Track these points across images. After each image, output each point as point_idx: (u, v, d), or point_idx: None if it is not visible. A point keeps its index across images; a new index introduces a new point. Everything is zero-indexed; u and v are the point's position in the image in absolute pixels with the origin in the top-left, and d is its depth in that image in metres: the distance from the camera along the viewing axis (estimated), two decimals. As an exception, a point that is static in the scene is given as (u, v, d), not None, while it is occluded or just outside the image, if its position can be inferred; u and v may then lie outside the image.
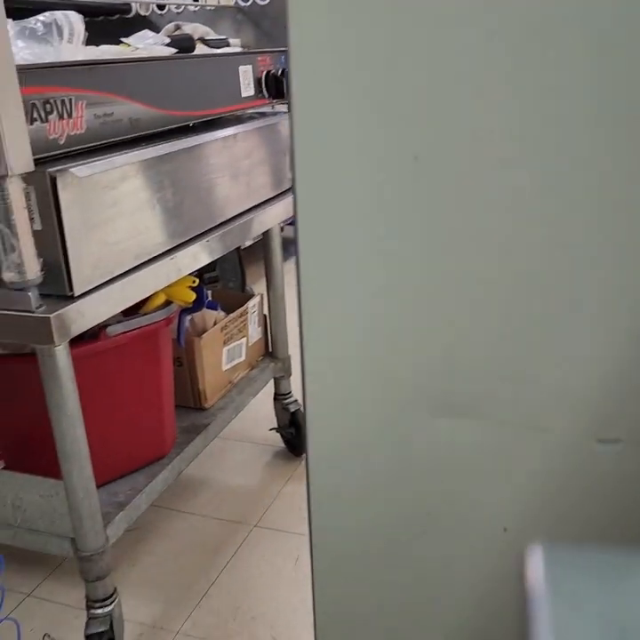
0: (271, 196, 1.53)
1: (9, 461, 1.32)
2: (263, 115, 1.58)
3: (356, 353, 0.46)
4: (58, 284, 0.97)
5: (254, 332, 1.74)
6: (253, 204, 1.46)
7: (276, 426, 1.89)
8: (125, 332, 1.25)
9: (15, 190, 0.87)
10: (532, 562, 0.26)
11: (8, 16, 0.86)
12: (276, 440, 1.92)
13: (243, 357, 1.70)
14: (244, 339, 1.69)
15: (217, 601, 1.41)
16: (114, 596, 1.19)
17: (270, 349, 1.82)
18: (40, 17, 1.09)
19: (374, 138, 0.41)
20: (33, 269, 0.93)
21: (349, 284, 0.44)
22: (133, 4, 1.72)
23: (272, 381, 1.82)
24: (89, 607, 1.17)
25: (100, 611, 1.17)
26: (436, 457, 0.44)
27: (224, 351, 1.61)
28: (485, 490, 0.43)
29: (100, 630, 1.16)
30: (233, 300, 1.73)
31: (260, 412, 1.99)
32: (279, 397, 1.86)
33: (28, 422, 1.22)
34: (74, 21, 1.11)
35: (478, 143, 0.40)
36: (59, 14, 1.09)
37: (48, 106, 0.95)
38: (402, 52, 0.39)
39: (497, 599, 0.48)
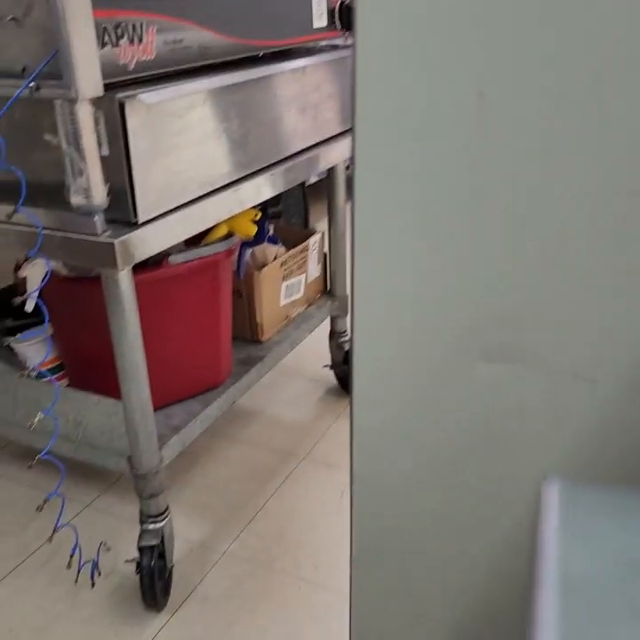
0: (338, 132, 1.50)
1: (72, 380, 1.37)
2: (335, 47, 1.54)
3: (407, 295, 0.46)
4: (123, 210, 0.99)
5: (314, 269, 1.75)
6: (319, 140, 1.45)
7: (329, 363, 1.91)
8: (187, 262, 1.27)
9: (84, 114, 0.88)
10: (547, 495, 0.26)
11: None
12: (329, 377, 1.95)
13: (301, 293, 1.71)
14: (303, 275, 1.70)
15: (263, 526, 1.46)
16: (166, 514, 1.24)
17: (328, 288, 1.82)
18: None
19: (437, 73, 0.40)
20: (99, 194, 0.94)
21: (404, 227, 0.44)
22: None
23: (328, 319, 1.84)
24: (142, 522, 1.23)
25: (152, 526, 1.23)
26: (481, 402, 0.44)
27: (283, 286, 1.63)
28: (528, 436, 0.43)
29: (152, 543, 1.22)
30: (294, 235, 1.73)
31: (314, 348, 2.02)
32: (335, 335, 1.88)
33: (92, 344, 1.27)
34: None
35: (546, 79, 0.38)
36: None
37: (119, 30, 0.95)
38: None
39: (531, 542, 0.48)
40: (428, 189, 0.43)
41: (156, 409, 1.17)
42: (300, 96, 1.35)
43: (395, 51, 0.41)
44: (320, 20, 1.46)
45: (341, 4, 1.47)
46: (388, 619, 0.55)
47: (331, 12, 1.47)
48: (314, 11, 1.43)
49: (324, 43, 1.54)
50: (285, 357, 1.64)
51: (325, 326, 1.85)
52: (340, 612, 1.26)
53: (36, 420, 1.11)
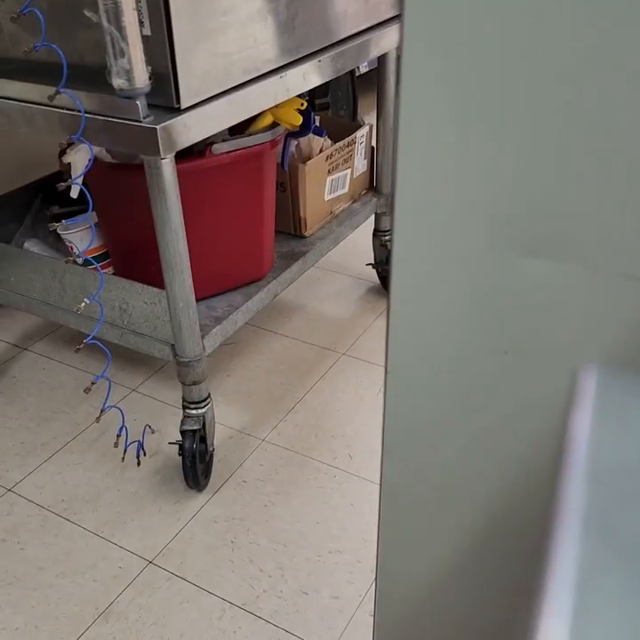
0: (390, 16, 1.42)
1: (117, 268, 1.39)
2: None
3: (446, 183, 0.44)
4: (165, 94, 0.97)
5: (360, 164, 1.70)
6: (370, 25, 1.37)
7: (372, 262, 1.90)
8: (230, 152, 1.25)
9: (125, -11, 0.85)
10: (583, 380, 0.25)
11: None
12: (372, 275, 1.94)
13: (346, 189, 1.68)
14: (349, 170, 1.66)
15: (302, 417, 1.50)
16: (207, 401, 1.28)
17: (374, 184, 1.78)
18: None
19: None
20: (141, 77, 0.92)
21: (448, 119, 0.42)
22: None
23: (373, 217, 1.81)
24: (185, 407, 1.28)
25: (194, 411, 1.27)
26: (521, 296, 0.43)
27: (328, 180, 1.59)
28: (568, 331, 0.42)
29: (194, 428, 1.26)
30: (341, 128, 1.68)
31: (358, 245, 2.00)
32: (378, 233, 1.85)
33: (135, 232, 1.28)
34: None
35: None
36: None
37: None
38: None
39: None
40: (471, 73, 0.40)
41: (198, 300, 1.19)
42: (352, -25, 1.27)
43: None
44: None
45: None
46: (416, 506, 0.57)
47: None
48: None
49: None
50: (328, 253, 1.63)
51: (370, 223, 1.82)
52: (371, 500, 1.30)
53: (82, 305, 1.13)
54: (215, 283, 1.37)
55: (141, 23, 0.90)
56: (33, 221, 1.61)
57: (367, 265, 1.91)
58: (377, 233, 1.85)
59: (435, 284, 0.48)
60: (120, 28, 0.86)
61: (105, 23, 0.87)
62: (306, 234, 1.58)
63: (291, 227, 1.58)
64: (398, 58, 0.46)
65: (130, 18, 0.87)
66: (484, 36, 0.39)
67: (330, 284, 1.96)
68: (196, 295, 1.17)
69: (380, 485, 0.59)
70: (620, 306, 0.39)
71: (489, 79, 0.40)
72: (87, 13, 0.89)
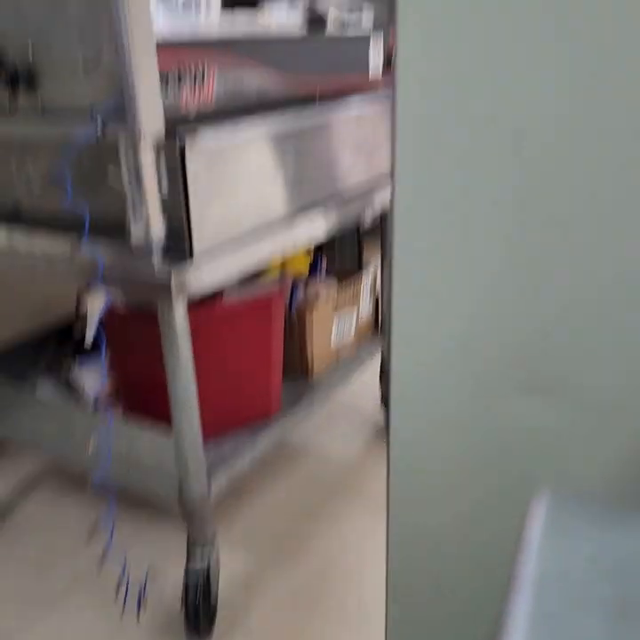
0: (392, 173, 1.53)
1: (127, 408, 1.42)
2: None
3: (445, 326, 0.47)
4: (179, 247, 1.03)
5: (365, 308, 1.76)
6: (375, 182, 1.47)
7: (380, 402, 1.92)
8: (241, 300, 1.30)
9: (146, 154, 0.93)
10: (536, 508, 0.27)
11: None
12: (378, 416, 1.94)
13: (352, 332, 1.72)
14: (355, 313, 1.71)
15: (309, 562, 1.46)
16: (213, 542, 1.26)
17: (379, 327, 1.83)
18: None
19: (477, 121, 0.41)
20: (158, 231, 0.99)
21: (442, 265, 0.45)
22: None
23: (380, 358, 1.84)
24: (189, 549, 1.25)
25: (199, 553, 1.24)
26: (518, 434, 0.44)
27: (334, 324, 1.65)
28: (564, 468, 0.43)
29: (198, 570, 1.23)
30: (347, 274, 1.75)
31: (364, 387, 2.02)
32: (385, 375, 1.88)
33: (146, 375, 1.31)
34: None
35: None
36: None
37: (182, 74, 1.00)
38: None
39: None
40: (465, 224, 0.44)
41: (205, 440, 1.20)
42: (356, 138, 1.38)
43: (436, 103, 0.42)
44: (378, 67, 1.50)
45: (398, 51, 1.51)
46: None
47: (388, 59, 1.51)
48: (372, 58, 1.48)
49: (381, 88, 1.58)
50: (335, 395, 1.65)
51: (376, 366, 1.85)
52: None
53: (90, 447, 1.14)
54: (223, 424, 1.38)
55: (160, 184, 0.98)
56: (48, 363, 1.65)
57: (379, 404, 1.93)
58: (384, 375, 1.88)
59: (435, 424, 0.50)
60: (140, 188, 0.94)
61: (127, 184, 0.94)
62: (313, 376, 1.61)
63: (298, 369, 1.61)
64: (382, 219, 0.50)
65: (149, 178, 0.94)
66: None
67: (337, 424, 1.97)
68: (203, 436, 1.18)
69: (386, 630, 0.58)
70: (616, 441, 0.40)
71: (473, 237, 0.43)
72: (111, 176, 0.97)
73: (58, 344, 1.68)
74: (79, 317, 1.37)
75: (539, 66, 0.39)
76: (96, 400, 1.29)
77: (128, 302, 1.26)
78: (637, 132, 0.38)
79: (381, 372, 1.88)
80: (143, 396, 1.37)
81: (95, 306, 1.24)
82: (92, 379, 1.39)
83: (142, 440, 1.24)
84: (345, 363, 1.69)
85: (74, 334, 1.18)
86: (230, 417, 1.39)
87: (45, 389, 1.52)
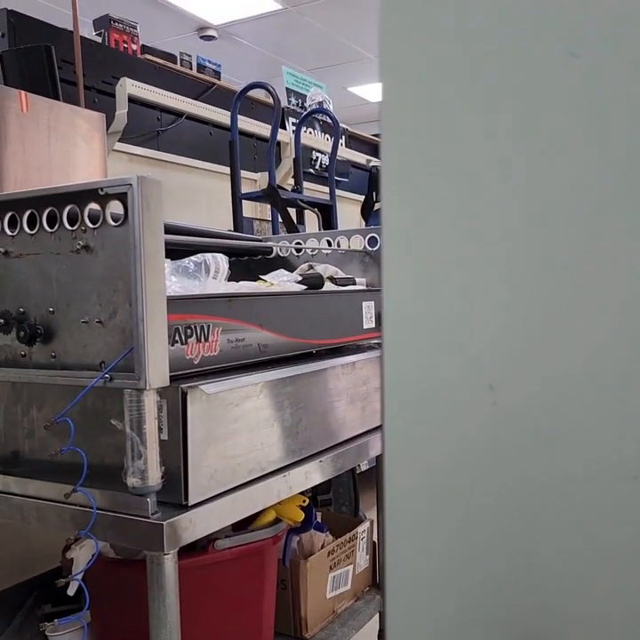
0: (386, 421, 1.57)
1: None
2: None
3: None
4: (175, 492, 1.03)
5: (362, 559, 1.70)
6: (368, 428, 1.51)
7: (379, 668, 1.76)
8: (233, 547, 1.26)
9: (150, 402, 0.97)
10: None
11: (167, 257, 1.02)
12: (379, 685, 1.77)
13: (348, 586, 1.64)
14: (351, 566, 1.64)
15: None
16: None
17: (377, 580, 1.75)
18: (192, 258, 1.27)
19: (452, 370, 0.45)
20: (155, 477, 0.99)
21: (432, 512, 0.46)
22: (274, 247, 1.95)
23: (377, 616, 1.73)
24: None
25: None
26: None
27: (329, 577, 1.57)
28: None
29: None
30: (343, 523, 1.72)
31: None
32: (384, 634, 1.75)
33: (129, 632, 1.22)
34: (220, 261, 1.28)
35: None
36: (208, 256, 1.27)
37: (189, 330, 1.07)
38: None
39: None
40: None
41: None
42: (350, 388, 1.44)
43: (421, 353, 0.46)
44: (370, 323, 1.61)
45: (389, 309, 1.63)
46: None
47: (379, 316, 1.62)
48: (364, 314, 1.59)
49: (373, 341, 1.68)
50: (330, 658, 1.52)
51: (374, 623, 1.73)
52: None
53: None
54: (207, 692, 1.26)
55: (160, 429, 1.00)
56: (22, 621, 1.54)
57: (373, 672, 1.77)
58: (382, 634, 1.75)
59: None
60: (141, 434, 0.96)
61: (128, 430, 0.97)
62: (307, 636, 1.50)
63: (291, 627, 1.51)
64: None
65: (151, 425, 0.97)
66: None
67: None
68: None
69: None
70: None
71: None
72: (113, 422, 1.00)
73: (36, 600, 1.58)
74: (64, 568, 1.31)
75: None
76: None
77: (117, 550, 1.22)
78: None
79: (380, 630, 1.76)
80: (123, 657, 1.27)
81: (82, 555, 1.19)
82: (70, 638, 1.29)
83: None
84: (342, 620, 1.59)
85: (55, 589, 1.12)
86: (216, 683, 1.27)
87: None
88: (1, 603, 1.53)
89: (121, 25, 3.06)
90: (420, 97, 0.46)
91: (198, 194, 3.14)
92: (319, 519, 1.58)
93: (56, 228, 1.03)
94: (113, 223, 0.98)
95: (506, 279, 0.44)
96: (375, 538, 1.75)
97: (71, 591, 1.15)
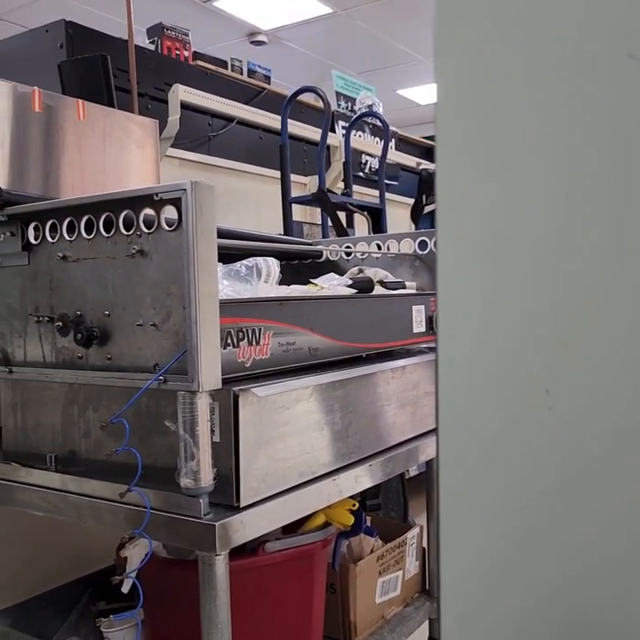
0: (436, 427, 1.55)
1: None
2: (434, 349, 1.66)
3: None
4: (226, 494, 1.04)
5: (412, 565, 1.68)
6: (418, 433, 1.50)
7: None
8: (283, 550, 1.27)
9: (202, 405, 0.98)
10: None
11: (219, 260, 1.03)
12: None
13: (397, 592, 1.63)
14: (400, 571, 1.63)
15: None
16: None
17: (427, 586, 1.73)
18: (244, 262, 1.28)
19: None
20: (207, 478, 1.00)
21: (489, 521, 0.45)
22: (324, 251, 1.96)
23: (427, 623, 1.71)
24: None
25: None
26: None
27: (379, 582, 1.56)
28: None
29: None
30: (392, 528, 1.70)
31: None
32: (434, 642, 1.73)
33: (181, 630, 1.24)
34: (271, 265, 1.29)
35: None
36: (260, 260, 1.28)
37: (240, 334, 1.08)
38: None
39: None
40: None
41: None
42: (400, 392, 1.44)
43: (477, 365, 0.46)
44: (420, 326, 1.60)
45: (439, 312, 1.62)
46: None
47: (429, 319, 1.61)
48: (414, 318, 1.58)
49: (423, 345, 1.67)
50: (379, 664, 1.52)
51: (424, 630, 1.72)
52: None
53: None
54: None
55: (212, 431, 1.01)
56: (77, 618, 1.58)
57: (422, 679, 1.75)
58: (432, 641, 1.73)
59: None
60: (194, 436, 0.97)
61: (181, 431, 0.98)
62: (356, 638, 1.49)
63: (339, 631, 1.50)
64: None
65: (203, 427, 0.98)
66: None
67: (381, 701, 1.77)
68: None
69: None
70: None
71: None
72: (167, 423, 1.02)
73: (90, 597, 1.62)
74: (117, 567, 1.34)
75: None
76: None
77: (169, 550, 1.24)
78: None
79: (430, 638, 1.74)
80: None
81: (136, 554, 1.21)
82: (123, 636, 1.31)
83: None
84: (391, 626, 1.58)
85: (109, 586, 1.14)
86: (266, 685, 1.28)
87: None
88: (57, 599, 1.56)
89: (173, 32, 3.11)
90: (476, 99, 0.46)
91: (247, 197, 3.17)
92: (369, 524, 1.58)
93: (112, 232, 1.05)
94: (167, 228, 0.99)
95: (562, 281, 0.43)
96: (425, 544, 1.73)
97: (125, 589, 1.17)
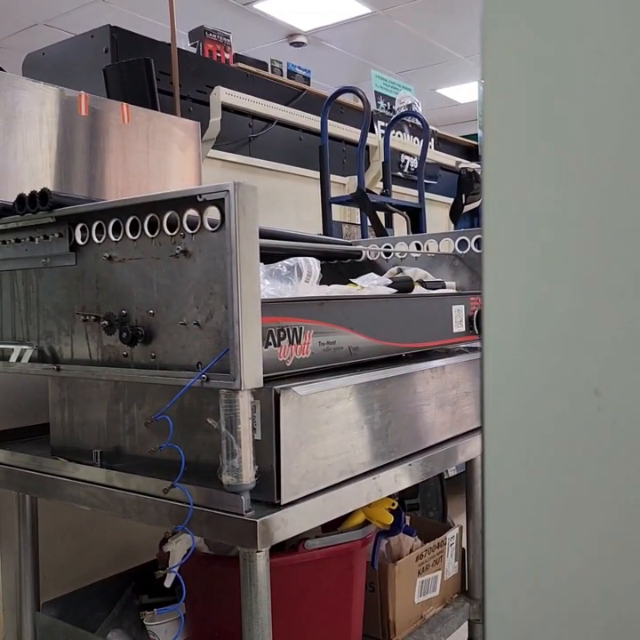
0: (476, 427, 1.55)
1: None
2: (473, 349, 1.65)
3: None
4: (267, 491, 1.05)
5: (451, 566, 1.68)
6: (457, 434, 1.49)
7: (468, 677, 1.73)
8: (322, 548, 1.28)
9: (244, 403, 0.99)
10: None
11: (260, 260, 1.04)
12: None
13: (437, 592, 1.63)
14: (440, 571, 1.63)
15: None
16: None
17: (466, 587, 1.72)
18: (285, 262, 1.29)
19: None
20: (248, 475, 1.02)
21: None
22: (364, 251, 1.96)
23: (466, 624, 1.70)
24: None
25: None
26: None
27: (418, 582, 1.56)
28: None
29: None
30: (431, 528, 1.70)
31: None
32: (474, 644, 1.72)
33: (223, 625, 1.26)
34: (312, 265, 1.30)
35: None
36: (301, 259, 1.29)
37: (282, 333, 1.10)
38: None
39: None
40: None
41: None
42: (439, 392, 1.43)
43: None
44: (459, 326, 1.59)
45: (479, 312, 1.61)
46: None
47: (469, 319, 1.60)
48: (453, 318, 1.58)
49: (463, 345, 1.66)
50: (418, 664, 1.52)
51: (463, 631, 1.71)
52: None
53: None
54: (296, 689, 1.28)
55: (254, 429, 1.03)
56: (121, 611, 1.61)
57: (461, 681, 1.74)
58: (471, 643, 1.73)
59: None
60: (235, 433, 0.99)
61: (223, 429, 1.00)
62: (394, 639, 1.49)
63: (378, 630, 1.51)
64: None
65: (245, 425, 1.00)
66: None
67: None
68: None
69: None
70: None
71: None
72: (209, 421, 1.03)
73: (133, 591, 1.65)
74: (160, 561, 1.36)
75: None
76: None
77: (211, 546, 1.25)
78: None
79: (470, 638, 1.73)
80: (216, 650, 1.30)
81: (178, 549, 1.23)
82: (165, 629, 1.33)
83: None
84: (430, 626, 1.57)
85: (152, 580, 1.17)
86: (305, 681, 1.29)
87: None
88: (101, 592, 1.60)
89: (215, 35, 3.15)
90: (524, 99, 0.46)
91: (287, 198, 3.19)
92: (408, 523, 1.58)
93: (157, 233, 1.08)
94: (210, 228, 1.01)
95: (612, 282, 0.43)
96: (464, 545, 1.73)
97: (168, 583, 1.20)
